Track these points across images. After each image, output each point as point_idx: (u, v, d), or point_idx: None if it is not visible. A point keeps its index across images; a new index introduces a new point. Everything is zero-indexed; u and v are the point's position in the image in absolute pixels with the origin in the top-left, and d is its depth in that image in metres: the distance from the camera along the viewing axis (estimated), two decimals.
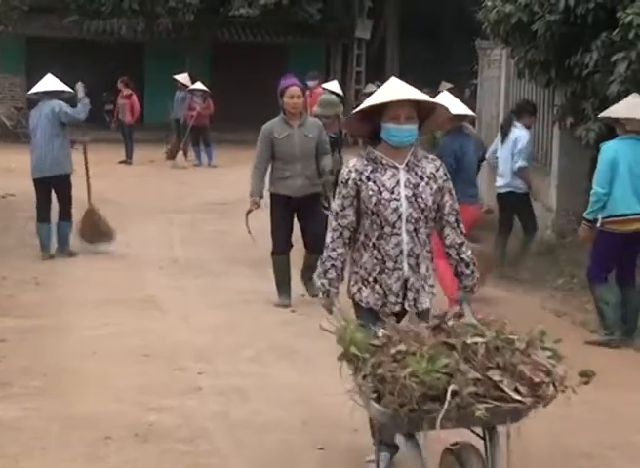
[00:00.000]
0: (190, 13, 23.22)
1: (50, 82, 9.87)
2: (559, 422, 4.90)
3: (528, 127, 9.34)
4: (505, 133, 9.16)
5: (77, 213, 10.20)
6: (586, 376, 3.57)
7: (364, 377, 3.58)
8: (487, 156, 9.47)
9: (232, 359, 6.45)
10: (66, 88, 9.85)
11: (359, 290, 4.35)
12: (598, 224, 6.91)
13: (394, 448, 4.49)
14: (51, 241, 9.83)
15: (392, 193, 4.24)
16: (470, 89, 17.73)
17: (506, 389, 3.40)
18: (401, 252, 4.26)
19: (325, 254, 4.32)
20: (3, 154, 18.13)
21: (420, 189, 4.26)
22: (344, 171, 4.33)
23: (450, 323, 3.72)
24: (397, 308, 4.29)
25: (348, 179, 4.29)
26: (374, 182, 4.25)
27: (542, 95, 10.85)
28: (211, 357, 6.48)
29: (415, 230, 4.27)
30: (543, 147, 11.00)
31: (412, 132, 4.24)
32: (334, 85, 12.08)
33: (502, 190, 9.20)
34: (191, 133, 18.69)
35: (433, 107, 4.33)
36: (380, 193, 4.24)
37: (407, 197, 4.25)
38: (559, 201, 10.26)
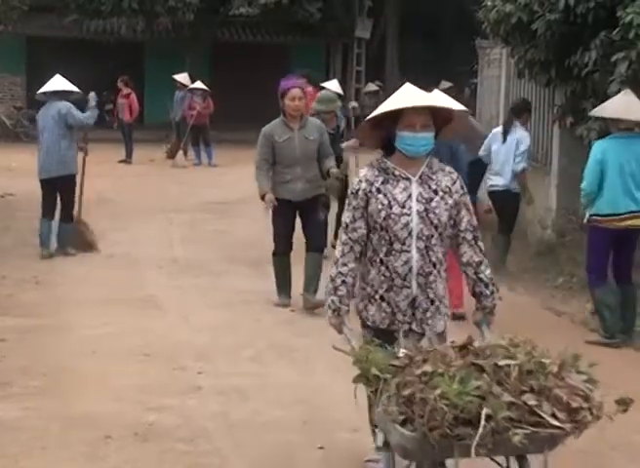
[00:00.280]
0: (190, 12, 23.23)
1: (59, 82, 9.89)
2: None
3: (524, 125, 9.37)
4: (506, 132, 9.15)
5: (82, 214, 10.26)
6: (624, 404, 3.34)
7: (388, 399, 3.31)
8: (480, 154, 9.44)
9: (232, 358, 6.45)
10: (75, 89, 9.87)
11: (365, 307, 4.14)
12: (585, 220, 7.01)
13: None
14: (51, 239, 9.86)
15: (403, 207, 3.99)
16: (470, 88, 17.74)
17: (544, 414, 3.19)
18: (410, 270, 4.02)
19: (334, 270, 4.08)
20: (3, 153, 18.14)
21: (434, 204, 4.00)
22: (354, 181, 4.11)
23: (476, 344, 3.49)
24: (405, 327, 4.07)
25: (358, 190, 4.05)
26: (384, 195, 4.00)
27: (542, 94, 10.84)
28: (211, 356, 6.48)
29: (426, 248, 4.01)
30: (543, 147, 10.99)
31: (428, 141, 3.97)
32: (334, 84, 12.06)
33: (499, 189, 9.20)
34: (191, 132, 18.69)
35: (451, 115, 4.08)
36: (390, 207, 3.99)
37: (418, 212, 3.99)
38: (559, 200, 10.25)
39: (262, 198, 7.62)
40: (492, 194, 9.33)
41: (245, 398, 5.64)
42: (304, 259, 7.86)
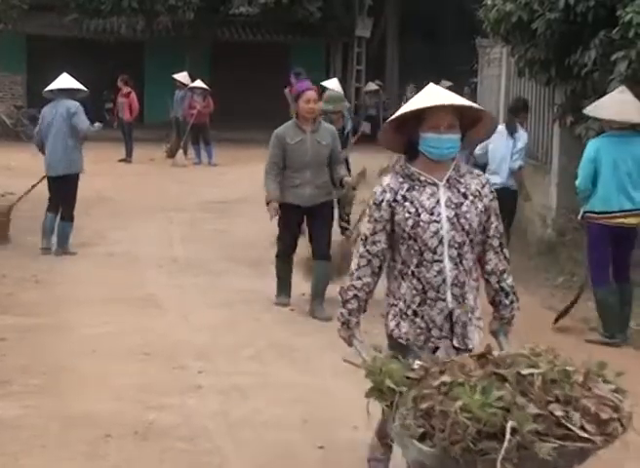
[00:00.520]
0: (190, 11, 23.23)
1: (67, 80, 9.93)
2: None
3: (521, 123, 9.37)
4: (512, 133, 9.13)
5: (83, 213, 10.26)
6: None
7: (405, 413, 3.09)
8: (476, 153, 9.43)
9: (232, 357, 6.45)
10: (82, 87, 9.90)
11: (397, 324, 3.85)
12: (579, 217, 7.04)
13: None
14: (52, 234, 9.90)
15: (432, 214, 3.73)
16: (470, 87, 17.74)
17: (572, 426, 2.97)
18: (444, 280, 3.75)
19: (348, 282, 3.85)
20: (3, 153, 18.13)
21: (464, 209, 3.75)
22: (377, 191, 3.82)
23: (496, 353, 3.27)
24: (445, 343, 3.81)
25: (382, 201, 3.77)
26: (411, 202, 3.74)
27: (542, 93, 10.85)
28: (211, 355, 6.48)
29: (459, 256, 3.76)
30: (543, 146, 11.00)
31: (454, 143, 3.72)
32: (334, 83, 12.07)
33: (497, 187, 9.20)
34: (191, 131, 18.69)
35: (479, 115, 3.80)
36: (418, 215, 3.72)
37: (448, 218, 3.73)
38: (559, 199, 10.26)
39: (268, 203, 7.52)
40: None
41: (245, 397, 5.64)
42: (312, 268, 7.74)
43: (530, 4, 8.85)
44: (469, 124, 3.78)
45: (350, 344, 3.86)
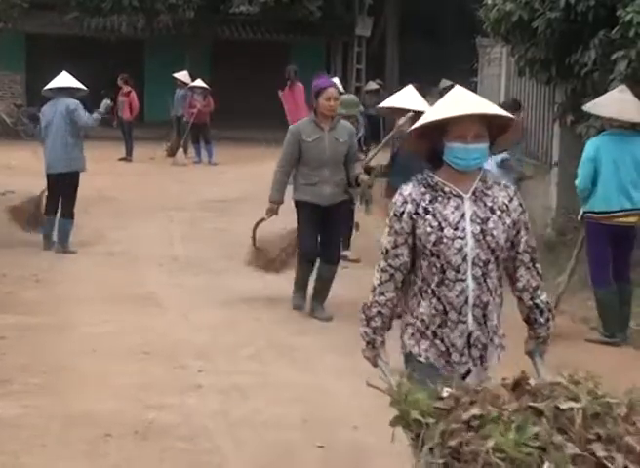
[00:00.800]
0: (190, 10, 23.23)
1: (66, 79, 9.95)
2: None
3: None
4: None
5: (82, 211, 10.27)
6: None
7: (431, 450, 2.81)
8: None
9: (232, 357, 6.45)
10: (81, 86, 9.91)
11: (417, 342, 3.57)
12: (579, 217, 7.03)
13: None
14: (53, 233, 9.93)
15: (456, 229, 3.46)
16: (470, 86, 17.70)
17: None
18: (466, 301, 3.49)
19: (370, 299, 3.57)
20: (3, 151, 18.11)
21: (491, 225, 3.47)
22: (398, 201, 3.53)
23: (532, 381, 2.99)
24: (463, 369, 3.54)
25: (403, 212, 3.50)
26: (433, 216, 3.47)
27: (543, 92, 10.84)
28: (211, 355, 6.48)
29: (483, 275, 3.49)
30: (544, 145, 10.99)
31: (481, 153, 3.46)
32: (334, 82, 12.04)
33: None
34: (191, 130, 18.69)
35: (508, 123, 3.54)
36: (442, 229, 3.45)
37: (474, 234, 3.46)
38: (559, 199, 10.26)
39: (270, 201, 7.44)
40: None
41: (245, 396, 5.65)
42: (317, 268, 7.64)
43: (530, 3, 8.85)
44: (497, 131, 3.53)
45: (375, 365, 3.58)
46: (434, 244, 3.46)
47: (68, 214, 9.93)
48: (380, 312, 3.56)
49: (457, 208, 3.48)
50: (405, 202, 3.51)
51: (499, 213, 3.50)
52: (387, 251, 3.55)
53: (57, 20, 23.99)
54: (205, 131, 18.85)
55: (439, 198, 3.50)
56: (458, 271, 3.47)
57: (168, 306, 7.86)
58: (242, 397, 5.63)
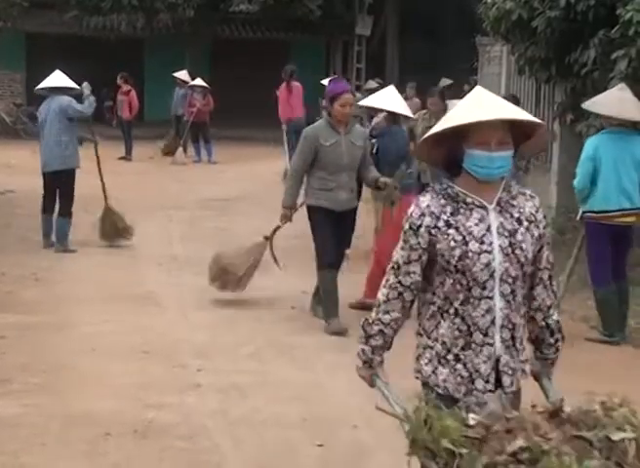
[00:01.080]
0: (190, 8, 23.23)
1: (58, 78, 9.96)
2: None
3: None
4: None
5: (81, 209, 10.24)
6: None
7: None
8: None
9: (231, 356, 6.45)
10: (74, 85, 9.92)
11: (435, 370, 3.24)
12: (578, 217, 7.03)
13: None
14: (52, 233, 9.93)
15: (482, 243, 3.16)
16: (470, 85, 17.72)
17: None
18: (493, 321, 3.18)
19: (374, 316, 3.29)
20: (2, 150, 18.11)
21: (519, 237, 3.19)
22: (414, 213, 3.21)
23: (567, 408, 2.76)
24: (486, 398, 3.19)
25: (420, 226, 3.19)
26: (456, 229, 3.17)
27: (543, 91, 10.85)
28: (210, 354, 6.48)
29: (512, 292, 3.19)
30: None
31: (505, 161, 3.15)
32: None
33: None
34: (191, 129, 18.69)
35: (534, 128, 3.23)
36: (466, 244, 3.15)
37: (502, 248, 3.16)
38: (559, 198, 10.27)
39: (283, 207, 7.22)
40: None
41: (244, 395, 5.65)
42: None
43: (530, 2, 8.87)
44: (522, 137, 3.22)
45: (372, 385, 3.32)
46: (459, 259, 3.16)
47: (66, 213, 9.92)
48: (381, 331, 3.28)
49: (481, 220, 3.19)
50: (422, 214, 3.19)
51: (526, 224, 3.23)
52: (399, 266, 3.25)
53: (56, 19, 23.99)
54: (204, 130, 18.84)
55: (461, 210, 3.20)
56: (484, 288, 3.17)
57: (167, 305, 7.86)
58: (241, 396, 5.64)
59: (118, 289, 8.28)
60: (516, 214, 3.22)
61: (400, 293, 3.24)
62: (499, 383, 3.21)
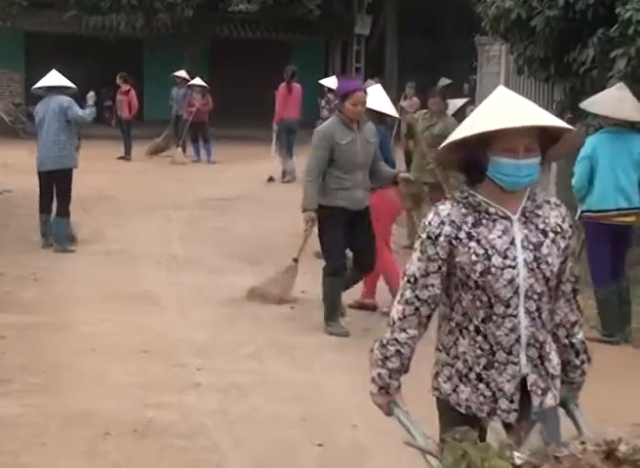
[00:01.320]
0: (189, 8, 23.23)
1: (55, 77, 9.96)
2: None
3: None
4: None
5: (79, 209, 10.28)
6: None
7: None
8: None
9: (231, 355, 6.45)
10: (71, 84, 9.91)
11: (455, 388, 3.05)
12: (577, 217, 7.02)
13: None
14: (50, 233, 9.92)
15: (505, 258, 2.95)
16: (470, 84, 17.74)
17: None
18: (518, 340, 2.99)
19: (389, 335, 3.04)
20: (1, 150, 18.11)
21: (545, 250, 2.99)
22: (433, 222, 3.01)
23: (622, 447, 2.50)
24: (511, 418, 3.00)
25: (439, 235, 2.98)
26: (478, 242, 2.96)
27: (542, 90, 10.85)
28: (210, 353, 6.48)
29: (537, 309, 2.99)
30: None
31: (533, 169, 2.95)
32: (332, 81, 12.05)
33: None
34: (190, 129, 18.68)
35: (561, 132, 3.00)
36: (489, 258, 2.95)
37: (526, 262, 2.96)
38: (558, 197, 10.19)
39: (304, 210, 6.96)
40: None
41: (244, 394, 5.65)
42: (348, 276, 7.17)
43: (529, 1, 8.87)
44: (549, 142, 3.01)
45: (389, 414, 3.08)
46: (480, 275, 2.95)
47: (63, 213, 9.91)
48: (398, 351, 3.03)
49: (505, 232, 2.98)
50: (442, 223, 2.98)
51: (552, 235, 3.02)
52: (416, 279, 3.01)
53: (55, 19, 24.00)
54: (204, 129, 18.84)
55: (483, 221, 2.99)
56: (508, 306, 2.97)
57: (167, 305, 7.86)
58: (241, 395, 5.64)
59: (117, 288, 8.28)
60: (541, 226, 3.02)
61: (417, 309, 3.02)
62: (524, 403, 3.02)
